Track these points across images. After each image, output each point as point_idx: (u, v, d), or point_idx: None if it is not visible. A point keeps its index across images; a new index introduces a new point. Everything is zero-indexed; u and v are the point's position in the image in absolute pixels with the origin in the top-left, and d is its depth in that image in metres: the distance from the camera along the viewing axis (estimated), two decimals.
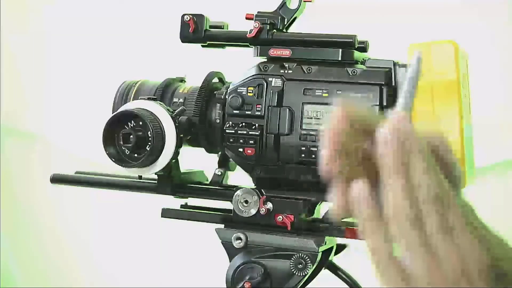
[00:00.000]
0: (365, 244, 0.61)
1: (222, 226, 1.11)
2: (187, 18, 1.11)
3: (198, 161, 1.18)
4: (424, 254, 0.59)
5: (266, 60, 1.09)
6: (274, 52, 1.07)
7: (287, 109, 1.05)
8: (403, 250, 0.59)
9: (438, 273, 0.59)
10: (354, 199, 0.61)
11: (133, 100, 1.14)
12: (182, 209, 1.16)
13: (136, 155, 1.05)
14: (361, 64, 1.05)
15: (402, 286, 0.59)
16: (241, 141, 1.07)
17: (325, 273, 1.14)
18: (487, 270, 0.60)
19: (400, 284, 0.59)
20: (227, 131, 1.08)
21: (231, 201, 1.09)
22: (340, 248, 1.15)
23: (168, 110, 1.07)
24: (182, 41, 1.13)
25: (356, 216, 0.61)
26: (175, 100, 1.14)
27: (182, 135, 1.08)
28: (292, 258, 1.05)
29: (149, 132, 1.05)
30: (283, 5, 1.09)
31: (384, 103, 1.02)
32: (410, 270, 0.59)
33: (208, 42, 1.12)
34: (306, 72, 1.06)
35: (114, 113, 1.07)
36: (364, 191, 0.60)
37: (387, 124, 0.60)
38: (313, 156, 1.03)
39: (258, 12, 1.09)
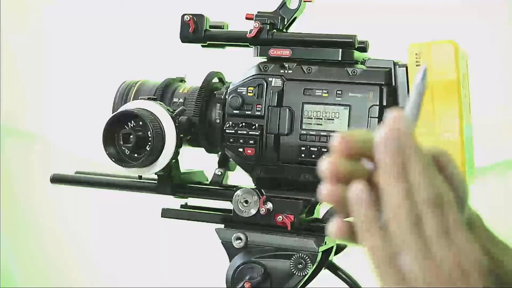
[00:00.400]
0: (364, 245, 0.61)
1: (222, 226, 1.10)
2: (187, 18, 1.11)
3: (198, 161, 1.18)
4: (424, 254, 0.59)
5: (266, 60, 1.09)
6: (274, 52, 1.07)
7: (287, 109, 1.05)
8: (403, 251, 0.59)
9: (438, 273, 0.59)
10: (353, 201, 0.60)
11: (133, 100, 1.14)
12: (182, 209, 1.16)
13: (136, 155, 1.05)
14: (361, 64, 1.05)
15: (402, 287, 0.59)
16: (241, 141, 1.07)
17: (325, 273, 1.14)
18: (487, 270, 0.60)
19: (400, 284, 0.59)
20: (227, 131, 1.08)
21: (231, 201, 1.09)
22: (340, 248, 1.15)
23: (168, 110, 1.07)
24: (182, 41, 1.13)
25: (355, 218, 0.61)
26: (175, 100, 1.14)
27: (182, 135, 1.08)
28: (292, 258, 1.05)
29: (149, 132, 1.04)
30: (283, 5, 1.09)
31: (384, 103, 1.02)
32: (409, 271, 0.59)
33: (208, 42, 1.12)
34: (306, 72, 1.06)
35: (114, 113, 1.07)
36: (363, 193, 0.60)
37: (385, 124, 0.60)
38: (313, 156, 1.03)
39: (258, 12, 1.09)
